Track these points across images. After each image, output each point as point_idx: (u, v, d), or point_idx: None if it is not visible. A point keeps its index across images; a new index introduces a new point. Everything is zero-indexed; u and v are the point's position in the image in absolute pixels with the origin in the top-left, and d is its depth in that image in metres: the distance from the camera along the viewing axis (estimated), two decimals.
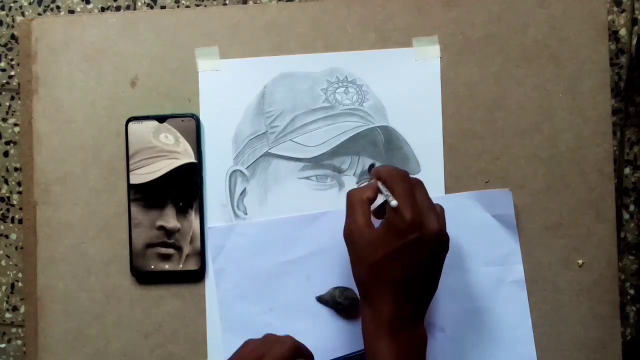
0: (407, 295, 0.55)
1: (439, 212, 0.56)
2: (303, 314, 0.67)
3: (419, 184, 0.57)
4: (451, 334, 0.66)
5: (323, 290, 0.67)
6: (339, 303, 0.65)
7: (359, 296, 0.58)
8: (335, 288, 0.66)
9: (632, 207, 0.69)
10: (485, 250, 0.66)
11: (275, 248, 0.67)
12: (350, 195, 0.58)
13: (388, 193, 0.55)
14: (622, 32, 0.70)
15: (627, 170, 0.70)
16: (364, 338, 0.56)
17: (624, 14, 0.69)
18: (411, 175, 0.57)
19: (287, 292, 0.67)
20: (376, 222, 0.57)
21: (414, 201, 0.54)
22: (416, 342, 0.55)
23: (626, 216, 0.69)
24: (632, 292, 0.69)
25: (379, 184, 0.57)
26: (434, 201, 0.57)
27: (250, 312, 0.67)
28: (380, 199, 0.57)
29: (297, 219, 0.67)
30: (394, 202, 0.54)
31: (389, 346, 0.54)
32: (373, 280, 0.55)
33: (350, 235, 0.57)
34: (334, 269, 0.67)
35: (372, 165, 0.67)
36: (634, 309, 0.69)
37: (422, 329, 0.56)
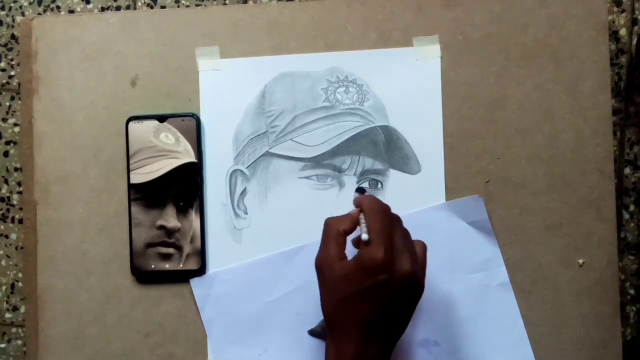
0: (374, 335, 0.53)
1: (416, 253, 0.54)
2: (298, 350, 0.67)
3: (398, 220, 0.55)
4: (446, 347, 0.66)
5: (314, 323, 0.67)
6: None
7: (325, 323, 0.56)
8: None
9: (632, 207, 0.69)
10: (466, 258, 0.66)
11: (260, 289, 0.67)
12: (327, 224, 0.56)
13: (364, 226, 0.54)
14: (622, 32, 0.70)
15: (627, 170, 0.70)
16: None
17: (624, 14, 0.70)
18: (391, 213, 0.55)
19: (279, 330, 0.67)
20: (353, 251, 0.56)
21: (387, 240, 0.52)
22: None
23: (626, 216, 0.69)
24: (632, 292, 0.69)
25: (360, 215, 0.55)
26: (409, 226, 0.55)
27: (246, 357, 0.67)
28: (358, 230, 0.55)
29: (278, 256, 0.67)
30: (364, 236, 0.52)
31: None
32: (339, 317, 0.53)
33: (320, 267, 0.55)
34: None
35: (360, 189, 0.66)
36: (634, 309, 0.69)
37: None
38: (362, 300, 0.52)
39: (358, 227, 0.55)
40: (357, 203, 0.57)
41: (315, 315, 0.67)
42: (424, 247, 0.56)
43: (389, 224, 0.53)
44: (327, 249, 0.55)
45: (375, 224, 0.53)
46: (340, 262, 0.54)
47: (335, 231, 0.55)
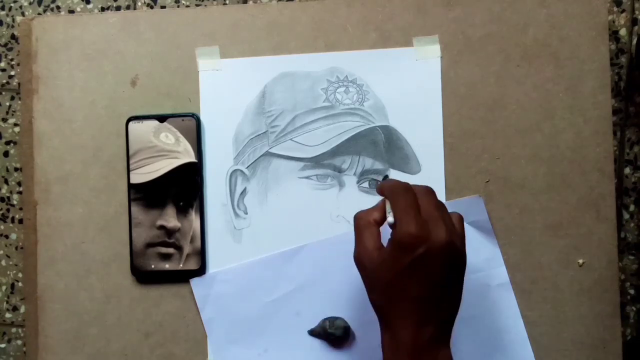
0: (427, 315, 0.51)
1: (450, 222, 0.53)
2: (298, 350, 0.67)
3: (426, 193, 0.54)
4: None
5: (314, 323, 0.67)
6: (331, 334, 0.65)
7: (378, 321, 0.54)
8: (325, 319, 0.66)
9: (632, 207, 0.69)
10: (467, 258, 0.66)
11: (260, 289, 0.67)
12: (357, 218, 0.56)
13: (389, 210, 0.53)
14: (622, 32, 0.70)
15: (627, 170, 0.70)
16: None
17: (624, 14, 0.70)
18: (420, 185, 0.55)
19: (279, 330, 0.67)
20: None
21: (416, 214, 0.51)
22: None
23: (626, 216, 0.69)
24: (632, 292, 0.69)
25: (386, 202, 0.55)
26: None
27: (245, 356, 0.67)
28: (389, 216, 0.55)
29: (278, 256, 0.67)
30: (390, 219, 0.52)
31: None
32: (388, 303, 0.52)
33: (360, 260, 0.54)
34: (322, 301, 0.67)
35: (385, 176, 0.66)
36: (634, 308, 0.69)
37: (446, 353, 0.52)
38: (407, 279, 0.51)
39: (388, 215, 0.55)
40: (379, 190, 0.57)
41: (315, 315, 0.67)
42: (460, 218, 0.55)
43: (413, 199, 0.53)
44: (363, 242, 0.54)
45: (399, 202, 0.52)
46: (378, 251, 0.53)
47: (366, 222, 0.55)
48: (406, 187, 0.54)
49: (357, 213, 0.56)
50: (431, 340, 0.51)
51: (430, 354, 0.52)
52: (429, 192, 0.54)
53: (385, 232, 0.55)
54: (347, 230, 0.67)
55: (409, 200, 0.52)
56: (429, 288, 0.51)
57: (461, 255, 0.53)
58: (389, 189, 0.55)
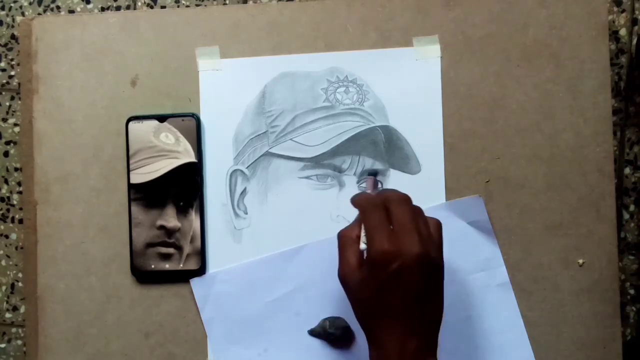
0: (410, 327, 0.52)
1: (425, 230, 0.53)
2: (298, 350, 0.67)
3: (400, 202, 0.54)
4: (446, 347, 0.65)
5: (314, 323, 0.67)
6: (331, 334, 0.65)
7: (366, 338, 0.55)
8: (325, 319, 0.66)
9: (632, 207, 0.69)
10: (467, 259, 0.66)
11: (260, 289, 0.67)
12: (340, 236, 0.56)
13: (363, 232, 0.54)
14: (622, 32, 0.70)
15: (627, 170, 0.70)
16: None
17: (624, 14, 0.70)
18: (394, 192, 0.55)
19: (278, 330, 0.67)
20: None
21: (386, 229, 0.52)
22: None
23: (626, 216, 0.69)
24: (632, 292, 0.69)
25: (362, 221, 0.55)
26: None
27: (245, 356, 0.67)
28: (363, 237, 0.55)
29: (278, 256, 0.67)
30: (362, 246, 0.53)
31: None
32: (372, 320, 0.53)
33: (343, 279, 0.55)
34: (322, 300, 0.67)
35: (372, 172, 0.66)
36: (634, 308, 0.69)
37: None
38: (387, 294, 0.51)
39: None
40: (353, 204, 0.57)
41: (315, 315, 0.67)
42: (437, 224, 0.55)
43: (383, 214, 0.53)
44: (345, 259, 0.55)
45: (370, 219, 0.53)
46: (359, 269, 0.54)
47: (348, 240, 0.55)
48: (375, 202, 0.54)
49: (340, 231, 0.57)
50: (417, 351, 0.52)
51: None
52: (403, 200, 0.54)
53: None
54: None
55: (379, 216, 0.53)
56: (409, 300, 0.52)
57: (437, 264, 0.53)
58: (359, 206, 0.55)
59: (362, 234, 0.54)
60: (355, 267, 0.54)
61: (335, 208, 0.67)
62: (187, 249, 0.67)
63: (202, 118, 0.68)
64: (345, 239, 0.56)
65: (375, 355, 0.53)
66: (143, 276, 0.68)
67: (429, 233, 0.54)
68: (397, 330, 0.52)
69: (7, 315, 0.73)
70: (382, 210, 0.53)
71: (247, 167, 0.68)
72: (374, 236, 0.52)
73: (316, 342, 0.67)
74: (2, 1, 0.74)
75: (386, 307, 0.52)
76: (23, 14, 0.74)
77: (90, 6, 0.73)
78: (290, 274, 0.67)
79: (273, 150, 0.67)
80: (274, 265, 0.67)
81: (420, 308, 0.52)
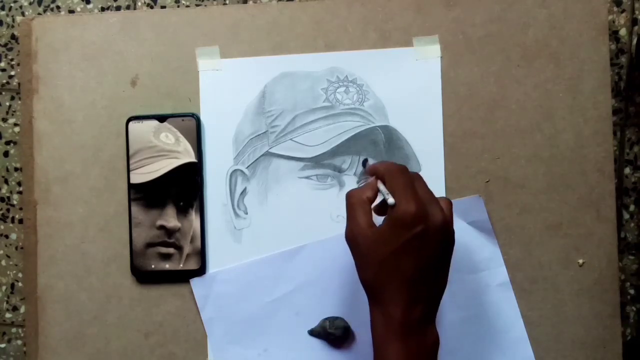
0: (418, 294, 0.52)
1: (442, 205, 0.54)
2: (298, 350, 0.67)
3: (418, 177, 0.55)
4: (446, 346, 0.65)
5: (314, 323, 0.67)
6: (331, 334, 0.65)
7: (367, 299, 0.55)
8: (325, 319, 0.66)
9: (632, 207, 0.69)
10: (467, 258, 0.66)
11: (260, 289, 0.67)
12: (349, 196, 0.56)
13: (386, 191, 0.54)
14: (622, 32, 0.70)
15: (627, 170, 0.70)
16: (373, 342, 0.54)
17: (624, 14, 0.70)
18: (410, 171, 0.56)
19: (278, 330, 0.67)
20: (378, 221, 0.55)
21: (415, 193, 0.52)
22: (428, 345, 0.53)
23: (626, 216, 0.69)
24: (632, 292, 0.69)
25: (378, 182, 0.56)
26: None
27: (245, 356, 0.67)
28: (379, 197, 0.56)
29: (278, 256, 0.67)
30: (391, 200, 0.52)
31: (399, 350, 0.52)
32: (381, 280, 0.53)
33: (353, 238, 0.55)
34: (322, 300, 0.67)
35: (365, 161, 0.67)
36: (634, 308, 0.69)
37: (433, 331, 0.54)
38: (404, 256, 0.52)
39: (379, 194, 0.56)
40: (371, 171, 0.57)
41: (315, 315, 0.67)
42: (449, 203, 0.56)
43: (410, 180, 0.54)
44: (356, 219, 0.55)
45: (398, 181, 0.53)
46: (372, 229, 0.54)
47: (359, 200, 0.55)
48: (402, 168, 0.55)
49: (350, 191, 0.57)
50: (420, 317, 0.53)
51: (419, 331, 0.53)
52: (421, 177, 0.56)
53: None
54: None
55: (407, 180, 0.54)
56: (422, 267, 0.52)
57: (453, 237, 0.55)
58: (385, 169, 0.55)
59: (385, 191, 0.54)
60: (366, 226, 0.54)
61: (335, 208, 0.67)
62: (187, 249, 0.67)
63: (202, 118, 0.68)
64: (355, 199, 0.56)
65: (378, 317, 0.53)
66: (143, 276, 0.68)
67: (450, 209, 0.55)
68: (405, 295, 0.52)
69: (7, 315, 0.73)
70: (409, 175, 0.54)
71: (247, 167, 0.68)
72: (401, 196, 0.52)
73: (316, 342, 0.67)
74: (2, 1, 0.74)
75: (398, 270, 0.52)
76: (23, 14, 0.74)
77: (90, 6, 0.73)
78: (290, 274, 0.67)
79: (273, 150, 0.67)
80: (274, 265, 0.67)
81: (430, 276, 0.53)
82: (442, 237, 0.53)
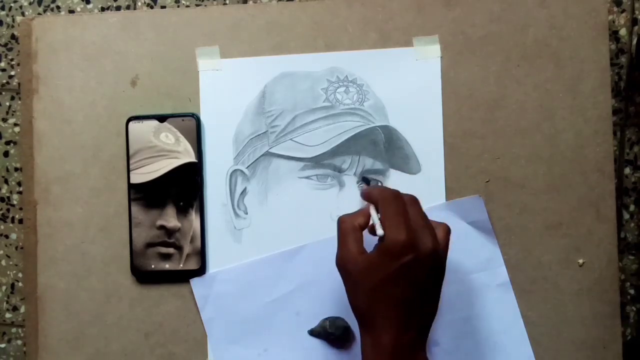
0: (408, 321, 0.53)
1: (435, 231, 0.54)
2: (298, 350, 0.67)
3: (413, 202, 0.55)
4: (446, 347, 0.66)
5: (314, 323, 0.67)
6: (331, 334, 0.65)
7: (358, 325, 0.55)
8: (326, 319, 0.66)
9: (632, 207, 0.69)
10: (467, 258, 0.66)
11: (260, 289, 0.67)
12: (341, 222, 0.56)
13: (377, 218, 0.54)
14: (622, 32, 0.70)
15: (627, 170, 0.70)
16: None
17: (624, 14, 0.70)
18: (405, 193, 0.56)
19: (278, 330, 0.67)
20: (373, 240, 0.55)
21: (407, 221, 0.53)
22: None
23: (626, 216, 0.69)
24: (632, 292, 0.69)
25: (371, 209, 0.56)
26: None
27: (245, 356, 0.67)
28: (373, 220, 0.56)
29: (278, 256, 0.67)
30: (380, 232, 0.53)
31: None
32: (372, 307, 0.53)
33: (343, 265, 0.55)
34: (322, 301, 0.67)
35: (365, 179, 0.66)
36: (634, 309, 0.69)
37: (423, 356, 0.54)
38: (393, 284, 0.52)
39: (371, 220, 0.56)
40: (365, 196, 0.57)
41: (315, 315, 0.67)
42: (447, 229, 0.56)
43: (403, 206, 0.54)
44: (347, 246, 0.55)
45: (389, 208, 0.53)
46: (362, 256, 0.54)
47: (350, 227, 0.56)
48: (395, 194, 0.55)
49: (342, 216, 0.57)
50: (411, 344, 0.53)
51: (409, 357, 0.53)
52: (416, 201, 0.56)
53: (368, 237, 0.56)
54: None
55: (399, 207, 0.53)
56: (413, 294, 0.52)
57: (443, 265, 0.55)
58: (379, 195, 0.55)
59: (376, 220, 0.54)
60: (357, 254, 0.54)
61: (335, 208, 0.67)
62: (187, 249, 0.67)
63: (202, 118, 0.68)
64: (347, 224, 0.56)
65: (369, 343, 0.54)
66: (143, 276, 0.68)
67: (440, 236, 0.55)
68: (395, 322, 0.52)
69: (7, 315, 0.73)
70: (401, 202, 0.54)
71: (247, 167, 0.68)
72: (392, 225, 0.52)
73: (316, 342, 0.67)
74: (2, 1, 0.74)
75: (389, 297, 0.52)
76: (23, 14, 0.74)
77: (90, 6, 0.73)
78: (290, 274, 0.67)
79: (273, 150, 0.67)
80: (274, 265, 0.67)
81: (420, 303, 0.53)
82: (431, 265, 0.53)
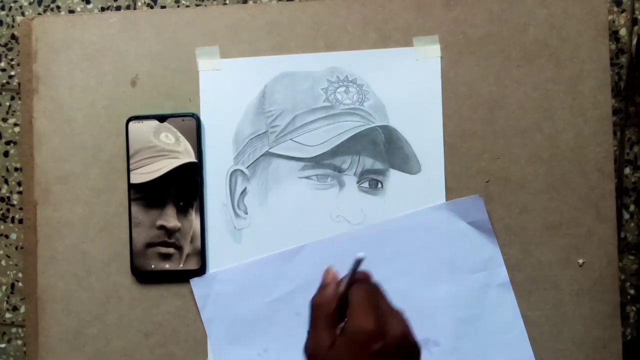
0: None
1: (402, 316, 0.51)
2: (298, 350, 0.66)
3: (377, 289, 0.52)
4: (446, 347, 0.66)
5: None
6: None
7: None
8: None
9: (632, 207, 0.69)
10: (467, 258, 0.66)
11: (260, 289, 0.67)
12: (315, 306, 0.52)
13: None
14: (622, 32, 0.70)
15: (627, 170, 0.70)
16: None
17: (624, 14, 0.70)
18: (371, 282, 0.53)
19: (278, 330, 0.67)
20: None
21: (373, 307, 0.49)
22: None
23: (626, 216, 0.69)
24: (632, 292, 0.69)
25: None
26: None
27: (245, 356, 0.67)
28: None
29: (277, 256, 0.67)
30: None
31: None
32: None
33: (313, 356, 0.51)
34: None
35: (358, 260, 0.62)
36: (634, 308, 0.69)
37: None
38: None
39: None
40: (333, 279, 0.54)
41: None
42: (403, 316, 0.52)
43: (369, 293, 0.51)
44: (319, 335, 0.51)
45: (357, 295, 0.50)
46: (332, 349, 0.50)
47: (324, 314, 0.52)
48: (365, 280, 0.52)
49: (316, 300, 0.53)
50: None
51: None
52: (379, 287, 0.52)
53: None
54: (347, 231, 0.67)
55: (368, 292, 0.51)
56: None
57: (415, 346, 0.51)
58: (351, 287, 0.52)
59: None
60: (327, 346, 0.50)
61: (335, 208, 0.67)
62: (187, 248, 0.67)
63: (202, 118, 0.68)
64: (320, 311, 0.52)
65: None
66: (143, 276, 0.68)
67: (407, 321, 0.51)
68: None
69: (7, 315, 0.73)
70: (369, 288, 0.51)
71: (247, 167, 0.68)
72: (358, 313, 0.49)
73: None
74: (2, 1, 0.74)
75: None
76: (23, 14, 0.74)
77: (90, 6, 0.73)
78: (290, 274, 0.67)
79: (273, 150, 0.67)
80: (274, 265, 0.67)
81: None
82: (401, 352, 0.49)
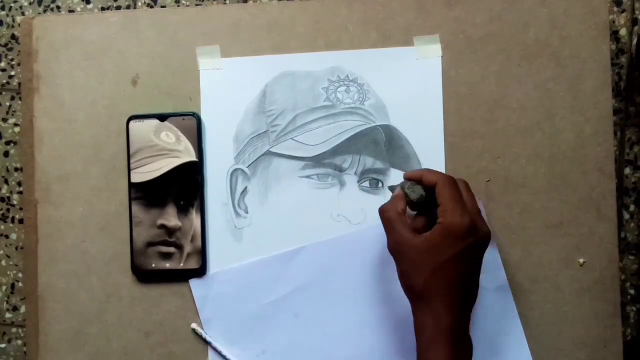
0: (465, 302, 0.56)
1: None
2: (296, 352, 0.67)
3: (466, 187, 0.58)
4: None
5: (314, 324, 0.66)
6: (407, 194, 0.59)
7: (412, 307, 0.57)
8: (406, 181, 0.60)
9: (632, 207, 0.69)
10: None
11: (258, 290, 0.67)
12: (383, 211, 0.58)
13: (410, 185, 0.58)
14: (622, 32, 0.70)
15: (627, 170, 0.70)
16: (419, 345, 0.56)
17: (624, 14, 0.70)
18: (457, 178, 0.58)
19: (277, 332, 0.67)
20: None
21: (465, 205, 0.55)
22: (470, 352, 0.56)
23: (626, 216, 0.69)
24: (632, 291, 0.69)
25: (405, 188, 0.59)
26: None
27: (244, 357, 0.67)
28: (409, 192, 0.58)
29: (276, 258, 0.67)
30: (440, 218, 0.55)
31: (449, 355, 0.53)
32: (433, 287, 0.55)
33: (399, 249, 0.57)
34: (321, 302, 0.66)
35: (390, 188, 0.63)
36: (634, 308, 0.69)
37: (470, 339, 0.57)
38: (455, 265, 0.54)
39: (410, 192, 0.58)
40: (413, 177, 0.59)
41: (314, 317, 0.66)
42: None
43: (459, 192, 0.56)
44: (398, 231, 0.57)
45: (447, 192, 0.56)
46: (418, 239, 0.55)
47: (395, 214, 0.58)
48: (453, 179, 0.57)
49: (382, 207, 0.59)
50: (466, 324, 0.56)
51: (464, 338, 0.56)
52: (468, 187, 0.59)
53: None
54: (346, 232, 0.67)
55: (457, 192, 0.56)
56: (470, 276, 0.56)
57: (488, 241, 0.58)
58: (437, 179, 0.57)
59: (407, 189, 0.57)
60: (412, 238, 0.56)
61: (335, 207, 0.67)
62: (187, 248, 0.67)
63: (202, 117, 0.68)
64: (391, 213, 0.58)
65: (428, 322, 0.55)
66: (143, 275, 0.68)
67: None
68: (456, 302, 0.55)
69: (7, 315, 0.73)
70: (457, 186, 0.57)
71: (247, 166, 0.68)
72: (453, 208, 0.55)
73: (315, 343, 0.66)
74: (2, 1, 0.74)
75: (451, 277, 0.54)
76: (23, 14, 0.74)
77: (90, 6, 0.73)
78: (289, 275, 0.67)
79: (274, 150, 0.67)
80: (273, 266, 0.67)
81: (474, 285, 0.57)
82: (484, 250, 0.57)
